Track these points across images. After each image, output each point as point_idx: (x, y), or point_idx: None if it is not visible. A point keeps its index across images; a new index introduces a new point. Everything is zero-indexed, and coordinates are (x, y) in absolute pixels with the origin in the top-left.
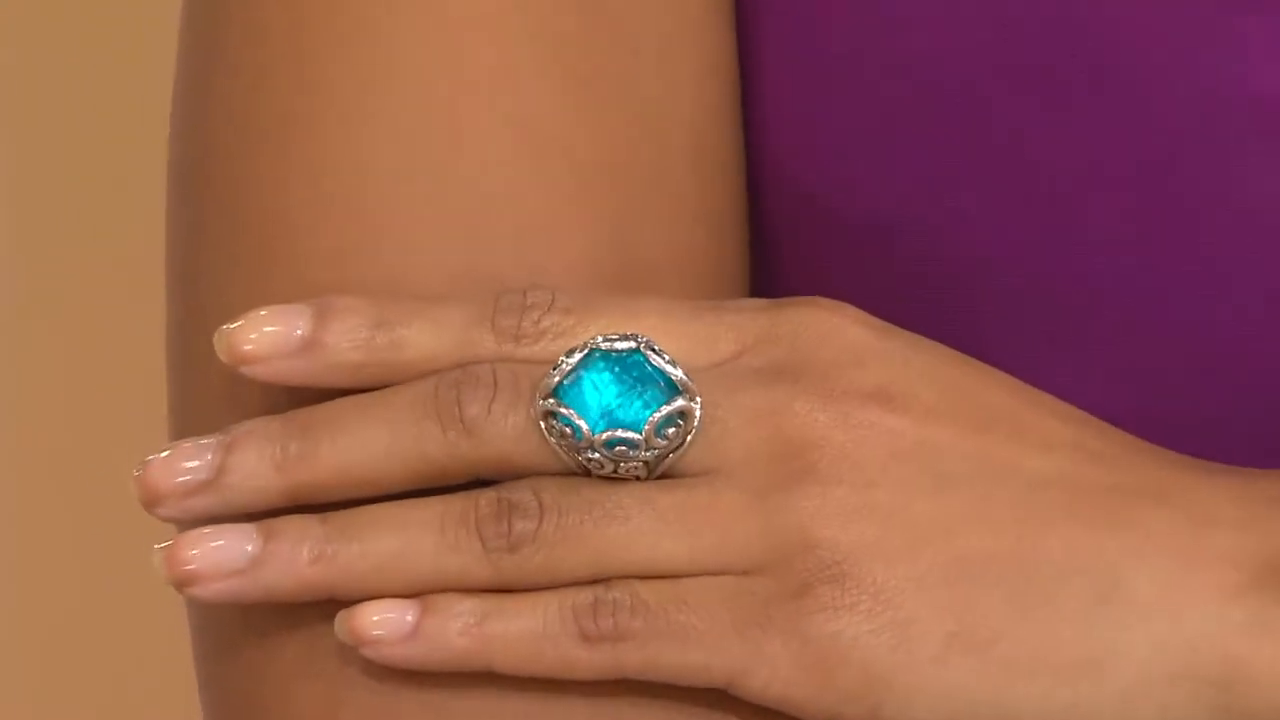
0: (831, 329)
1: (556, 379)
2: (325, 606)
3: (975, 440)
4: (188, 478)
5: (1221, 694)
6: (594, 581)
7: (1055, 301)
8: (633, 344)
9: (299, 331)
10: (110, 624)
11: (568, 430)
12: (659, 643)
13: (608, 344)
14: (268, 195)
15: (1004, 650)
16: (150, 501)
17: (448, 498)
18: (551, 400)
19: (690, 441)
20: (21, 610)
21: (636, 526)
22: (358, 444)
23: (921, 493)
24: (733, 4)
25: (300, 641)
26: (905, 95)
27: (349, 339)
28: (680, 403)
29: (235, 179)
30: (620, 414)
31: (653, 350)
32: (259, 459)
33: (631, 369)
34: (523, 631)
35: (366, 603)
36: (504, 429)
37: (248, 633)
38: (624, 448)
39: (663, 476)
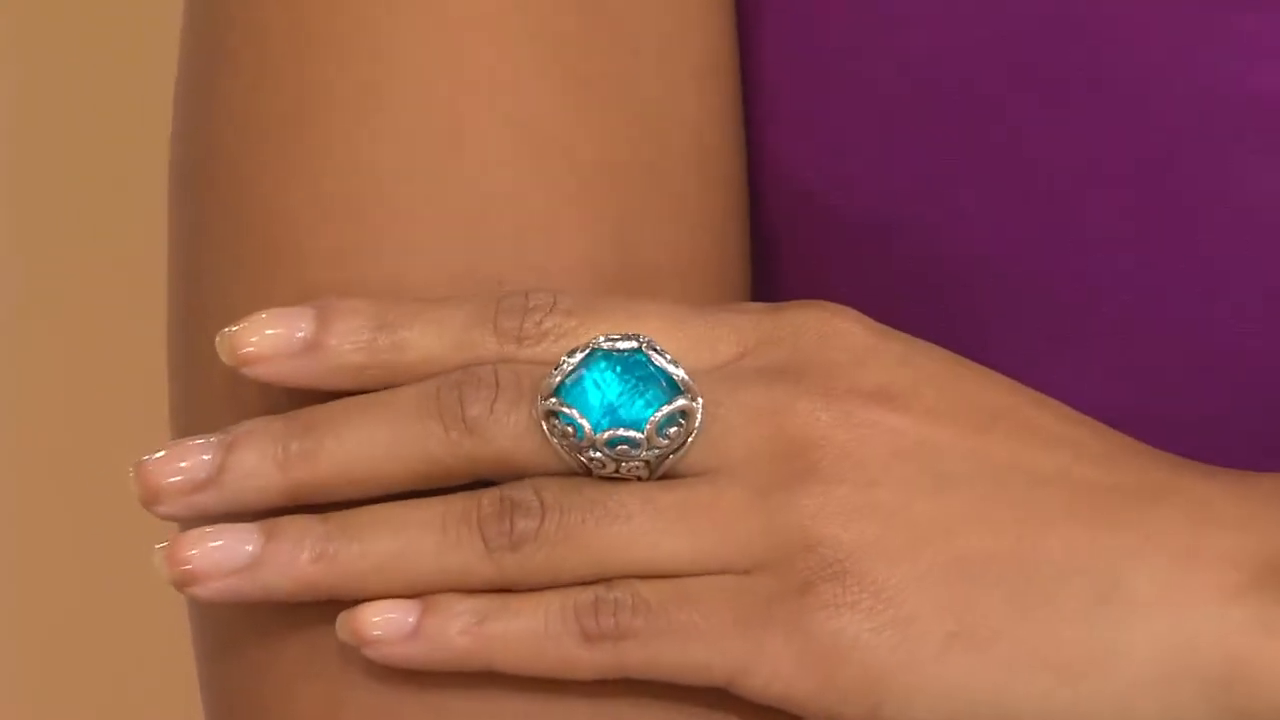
0: (832, 331)
1: (558, 379)
2: (326, 607)
3: (976, 440)
4: (188, 475)
5: (1223, 693)
6: (595, 581)
7: (1054, 299)
8: (635, 343)
9: (301, 333)
10: (110, 623)
11: (570, 429)
12: (660, 641)
13: (610, 343)
14: (269, 195)
15: (1004, 649)
16: (150, 499)
17: (449, 498)
18: (554, 399)
19: (692, 441)
20: (21, 610)
21: (638, 525)
22: (359, 443)
23: (922, 492)
24: (733, 3)
25: (302, 642)
26: (904, 93)
27: (351, 341)
28: (682, 402)
29: (237, 179)
30: (622, 412)
31: (654, 350)
32: (260, 457)
33: (634, 368)
34: (524, 631)
35: (368, 603)
36: (506, 428)
37: (249, 633)
38: (626, 446)
39: (664, 477)
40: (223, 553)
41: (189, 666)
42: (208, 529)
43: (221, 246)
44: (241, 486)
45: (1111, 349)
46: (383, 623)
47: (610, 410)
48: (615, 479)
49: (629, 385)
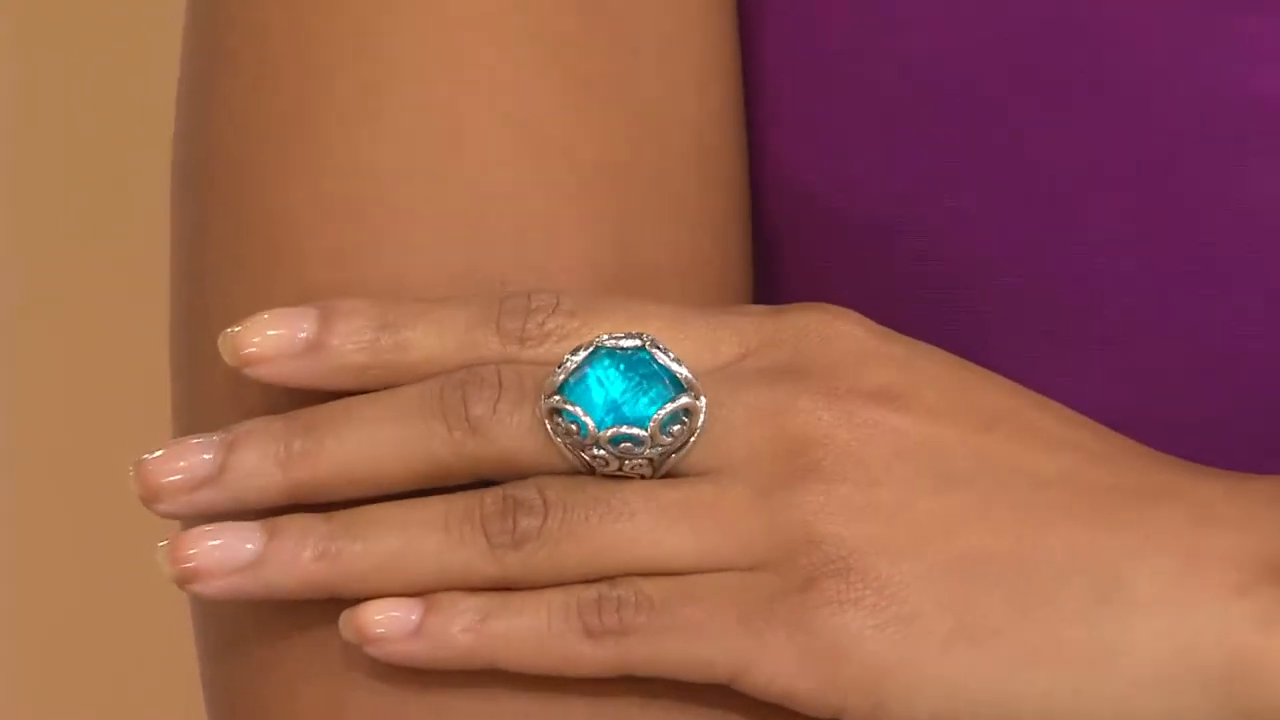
0: (835, 333)
1: (561, 377)
2: (329, 606)
3: (977, 439)
4: (189, 474)
5: (1224, 692)
6: (598, 579)
7: (1055, 301)
8: (638, 341)
9: (303, 334)
10: (111, 622)
11: (573, 427)
12: (663, 638)
13: (613, 342)
14: (270, 195)
15: (1005, 648)
16: (150, 497)
17: (451, 497)
18: (557, 398)
19: (695, 440)
20: (22, 610)
21: (641, 523)
22: (361, 442)
23: (924, 491)
24: (735, 4)
25: (305, 641)
26: (906, 95)
27: (354, 341)
28: (685, 400)
29: (238, 179)
30: (626, 409)
31: (658, 348)
32: (261, 457)
33: (637, 366)
34: (527, 628)
35: (370, 601)
36: (509, 428)
37: (252, 632)
38: (629, 444)
39: (667, 475)
40: (225, 551)
41: (190, 665)
42: (210, 527)
43: (223, 246)
44: (242, 485)
45: (1113, 351)
46: (385, 621)
47: (614, 407)
48: (618, 477)
49: (633, 383)
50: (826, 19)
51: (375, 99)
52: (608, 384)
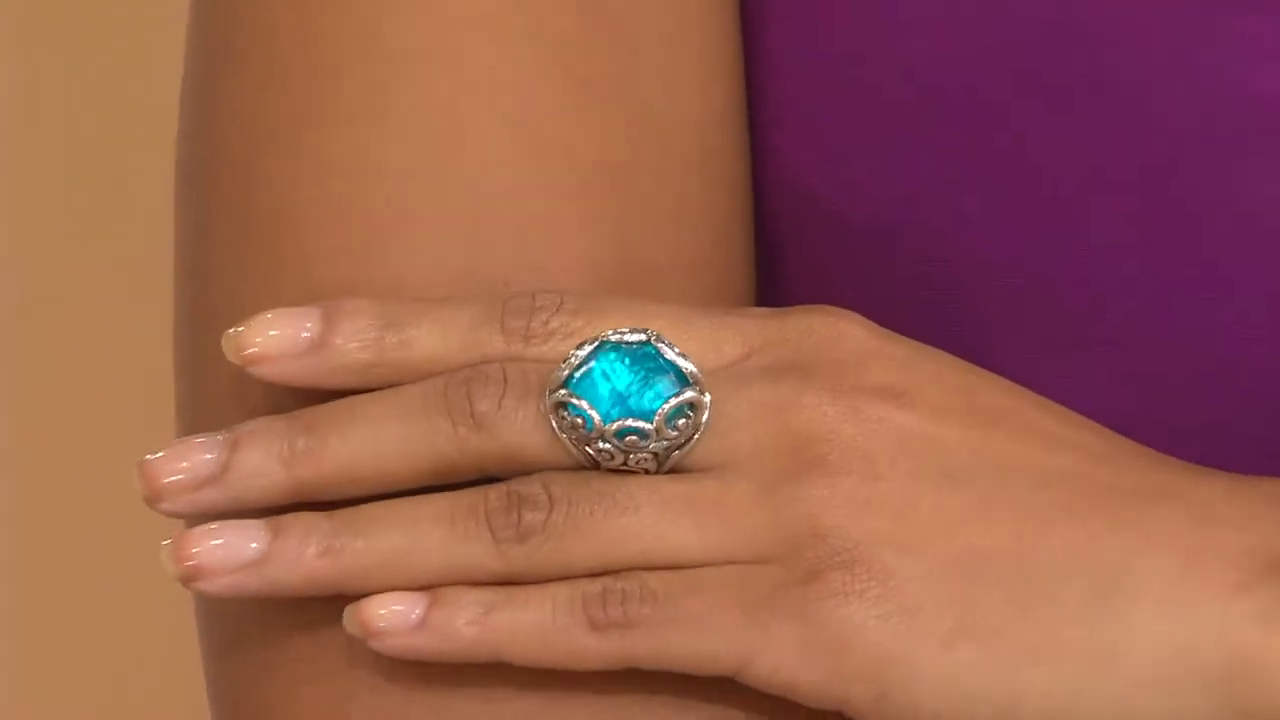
0: (838, 333)
1: (566, 372)
2: (333, 607)
3: (981, 437)
4: (192, 473)
5: (1224, 691)
6: (603, 573)
7: (1057, 304)
8: (644, 336)
9: (307, 333)
10: (114, 622)
11: (579, 420)
12: (667, 630)
13: (618, 336)
14: (275, 195)
15: (1005, 646)
16: (154, 496)
17: (456, 493)
18: (562, 392)
19: (700, 435)
20: (23, 610)
21: (645, 516)
22: (365, 440)
23: (928, 487)
24: (738, 4)
25: (309, 641)
26: (908, 99)
27: (358, 339)
28: (690, 394)
29: (242, 179)
30: (632, 402)
31: (663, 343)
32: (264, 455)
33: (643, 360)
34: (531, 621)
35: (375, 595)
36: (514, 423)
37: (256, 632)
38: (635, 437)
39: (671, 472)
40: (228, 549)
41: (192, 664)
42: (213, 525)
43: (227, 246)
44: (245, 484)
45: (1115, 354)
46: (389, 614)
47: (619, 400)
48: (623, 472)
49: (639, 376)
50: (829, 21)
51: (379, 99)
52: (613, 377)
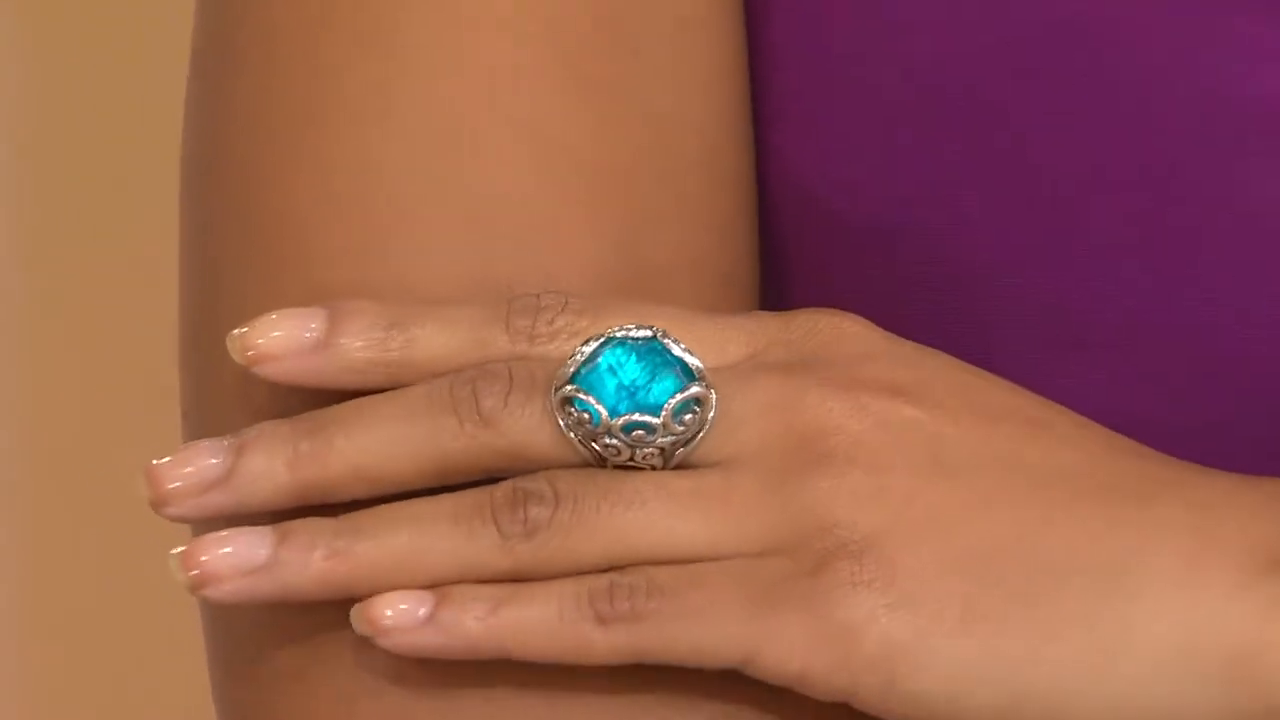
0: (842, 333)
1: (573, 367)
2: (343, 620)
3: (984, 433)
4: (198, 477)
5: (1229, 681)
6: (610, 569)
7: (1057, 305)
8: (650, 332)
9: (311, 333)
10: (116, 627)
11: (585, 416)
12: (675, 623)
13: (624, 333)
14: (278, 195)
15: (1013, 637)
16: (159, 501)
17: (461, 492)
18: (569, 387)
19: (706, 430)
20: (26, 612)
21: (652, 510)
22: (371, 440)
23: (935, 480)
24: (742, 6)
25: (319, 654)
26: (908, 99)
27: (363, 338)
28: (697, 389)
29: (246, 178)
30: (640, 395)
31: (669, 339)
32: (270, 458)
33: (650, 354)
34: (538, 617)
35: (382, 594)
36: (520, 420)
37: (266, 643)
38: (641, 432)
39: (678, 468)
40: (237, 555)
41: (192, 671)
42: (222, 533)
43: (232, 246)
44: (251, 487)
45: (1115, 354)
46: (396, 612)
47: (626, 392)
48: (629, 468)
49: (646, 368)
50: (830, 21)
51: (384, 99)
52: (620, 371)
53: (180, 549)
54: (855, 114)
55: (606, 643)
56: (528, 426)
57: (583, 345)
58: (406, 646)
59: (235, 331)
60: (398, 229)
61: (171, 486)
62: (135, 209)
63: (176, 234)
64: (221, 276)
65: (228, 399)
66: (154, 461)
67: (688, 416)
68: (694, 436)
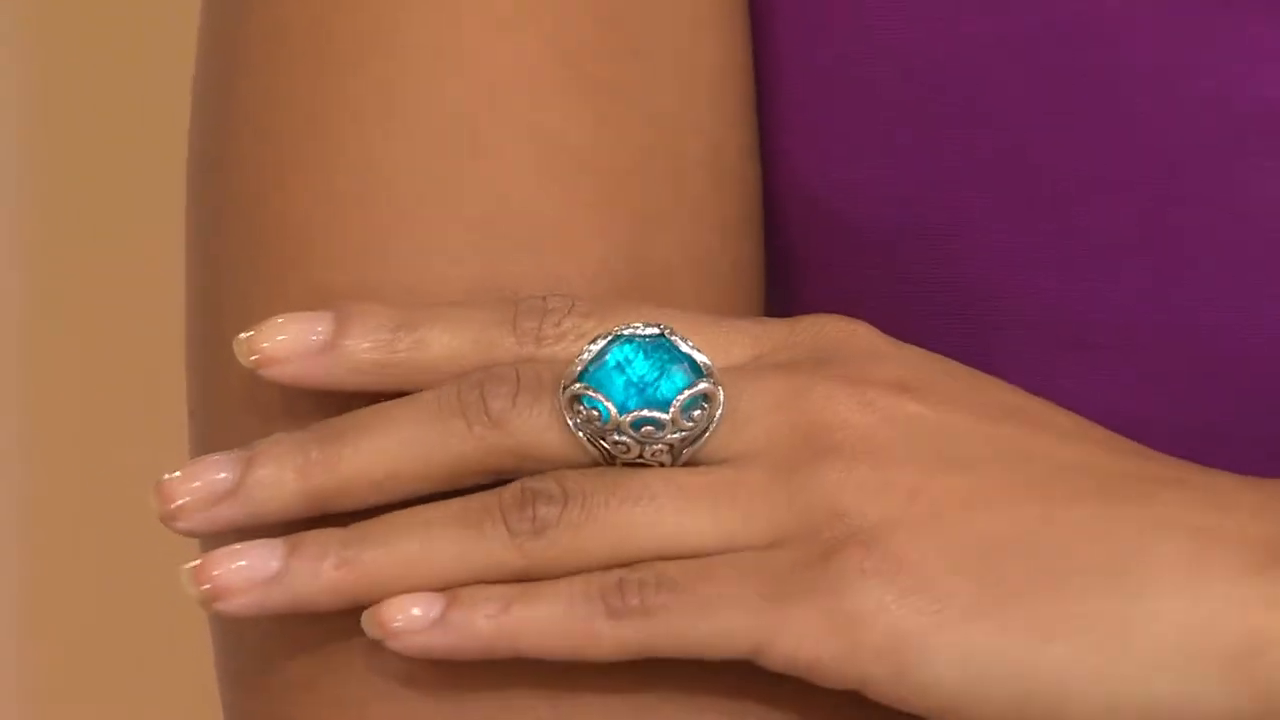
0: (848, 335)
1: (580, 366)
2: (353, 632)
3: (992, 428)
4: (209, 490)
5: (1239, 670)
6: (619, 566)
7: (1057, 305)
8: (658, 330)
9: (317, 336)
10: (116, 628)
11: (594, 413)
12: (686, 616)
13: (631, 330)
14: (283, 196)
15: (1023, 623)
16: (170, 515)
17: (470, 495)
18: (578, 385)
19: (714, 427)
20: (26, 613)
21: (661, 506)
22: (380, 446)
23: (943, 471)
24: (747, 9)
25: (327, 668)
26: (907, 100)
27: (370, 340)
28: (705, 385)
29: (250, 178)
30: (649, 390)
31: (677, 336)
32: (280, 468)
33: (658, 351)
34: (549, 614)
35: (393, 597)
36: (529, 420)
37: (277, 656)
38: (651, 428)
39: (686, 465)
40: (249, 569)
41: (192, 672)
42: (234, 547)
43: (236, 246)
44: (262, 497)
45: (1115, 354)
46: (406, 616)
47: (635, 389)
48: (638, 465)
49: (654, 365)
50: (830, 24)
51: (386, 99)
52: (629, 368)
53: (192, 564)
54: (855, 116)
55: (618, 637)
56: (536, 427)
57: (591, 343)
58: (418, 648)
59: (241, 335)
60: (400, 230)
61: (181, 502)
62: (142, 208)
63: (181, 234)
64: (226, 277)
65: (234, 399)
66: (165, 476)
67: (696, 413)
68: (702, 433)
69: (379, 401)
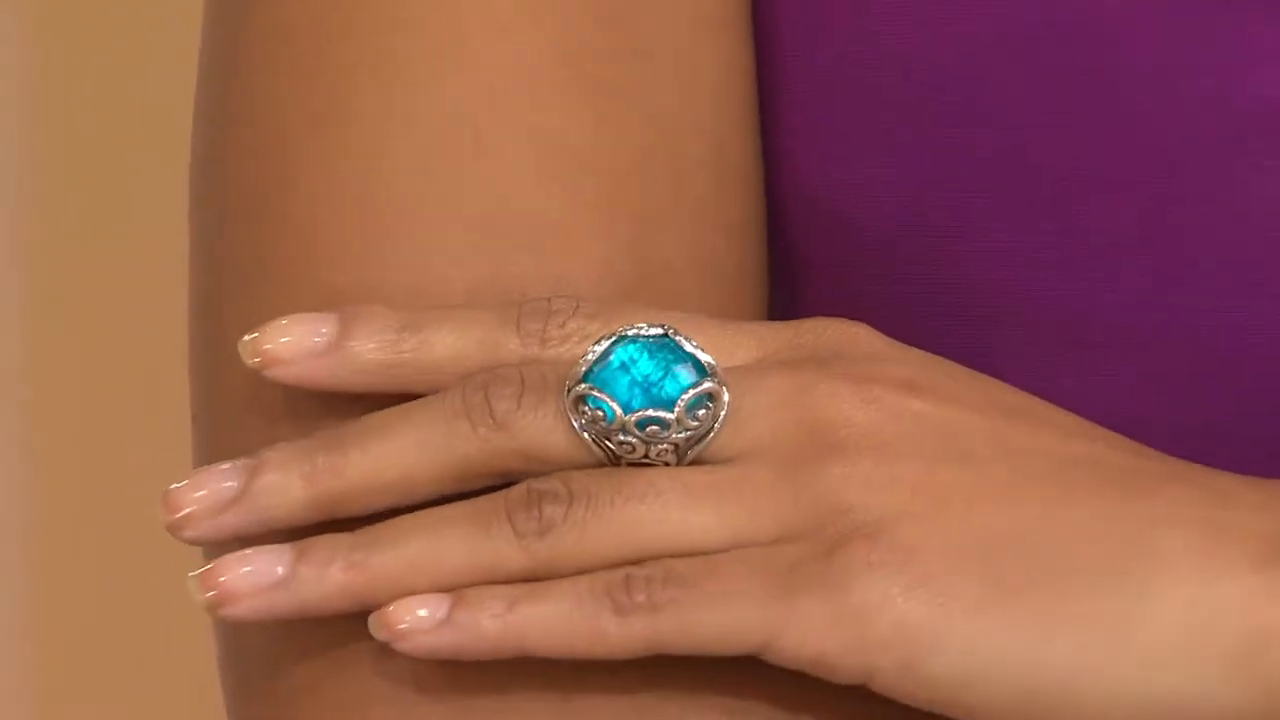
0: (853, 336)
1: (585, 367)
2: (359, 644)
3: (995, 426)
4: (215, 497)
5: (1245, 664)
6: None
7: (1058, 305)
8: (662, 329)
9: (321, 337)
10: (117, 629)
11: (599, 413)
12: (692, 611)
13: (636, 330)
14: (286, 196)
15: (1029, 616)
16: (176, 525)
17: (475, 498)
18: (583, 385)
19: (719, 426)
20: (26, 614)
21: (667, 503)
22: (386, 449)
23: (948, 465)
24: (750, 9)
25: (332, 675)
26: (907, 100)
27: (375, 340)
28: (710, 384)
29: (255, 180)
30: (654, 390)
31: (681, 336)
32: (286, 474)
33: (662, 350)
34: (555, 612)
35: (400, 600)
36: (534, 421)
37: (279, 659)
38: (656, 427)
39: (692, 464)
40: (256, 574)
41: (193, 673)
42: (243, 552)
43: (239, 247)
44: (268, 503)
45: (1115, 354)
46: (413, 617)
47: (640, 388)
48: (643, 464)
49: (659, 364)
50: (830, 23)
51: (388, 100)
52: (633, 367)
53: (199, 570)
54: (856, 114)
55: (624, 634)
56: (542, 428)
57: (595, 344)
58: (424, 649)
59: (246, 336)
60: (401, 230)
61: (187, 511)
62: (145, 208)
63: (181, 235)
64: (228, 278)
65: (238, 400)
66: (172, 486)
67: (701, 412)
68: (707, 433)
69: (384, 405)
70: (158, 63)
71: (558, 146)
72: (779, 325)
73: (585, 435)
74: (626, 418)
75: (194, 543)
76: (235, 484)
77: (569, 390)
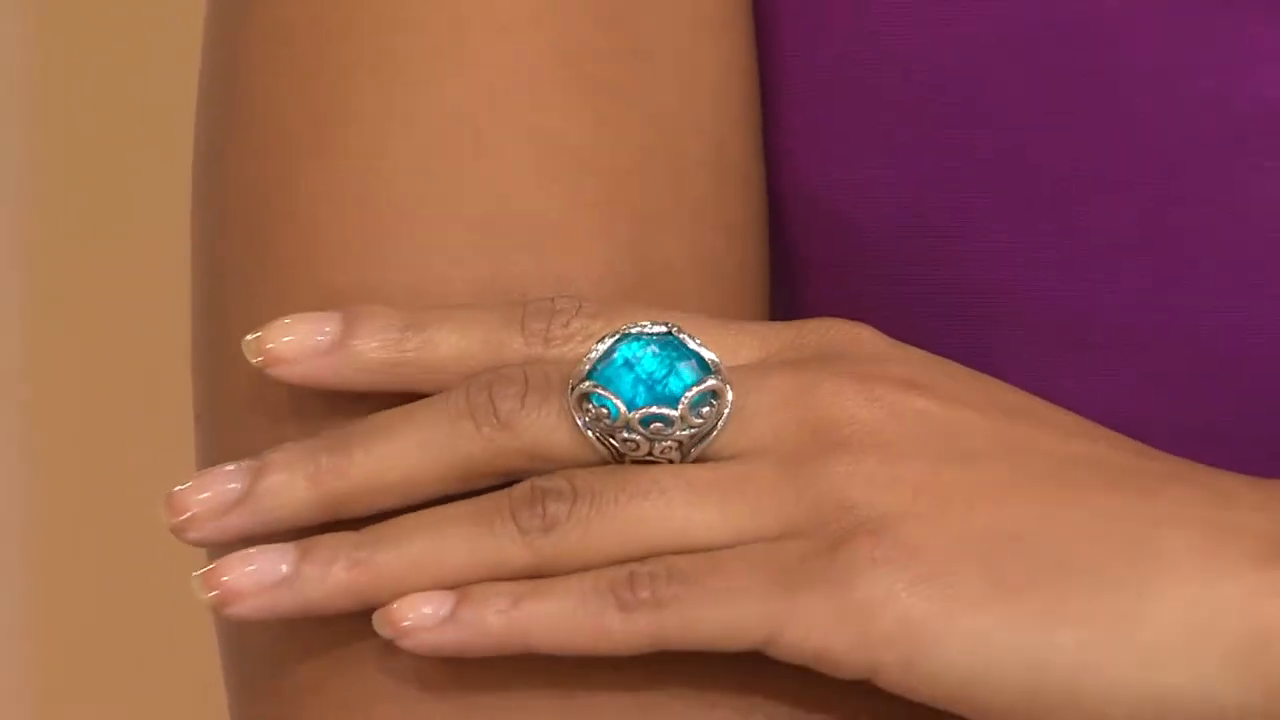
0: (855, 336)
1: (589, 365)
2: (363, 643)
3: (999, 424)
4: (219, 499)
5: (1248, 662)
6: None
7: (1058, 305)
8: (665, 327)
9: (324, 336)
10: (117, 630)
11: (603, 411)
12: (696, 607)
13: (639, 328)
14: (288, 196)
15: (1033, 613)
16: (180, 527)
17: (480, 496)
18: (587, 383)
19: (722, 424)
20: (31, 618)
21: (671, 500)
22: (391, 449)
23: (951, 464)
24: (750, 9)
25: (335, 675)
26: (907, 100)
27: (378, 339)
28: (713, 382)
29: (256, 180)
30: (658, 387)
31: (684, 334)
32: (290, 475)
33: (666, 347)
34: (559, 609)
35: (404, 597)
36: (538, 420)
37: (283, 658)
38: (660, 425)
39: (696, 462)
40: (260, 572)
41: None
42: (246, 551)
43: (240, 247)
44: (272, 504)
45: (1115, 355)
46: (417, 614)
47: (644, 385)
48: (647, 462)
49: (663, 362)
50: (830, 23)
51: (388, 100)
52: (637, 365)
53: (202, 570)
54: (855, 116)
55: (628, 630)
56: (545, 426)
57: (599, 342)
58: (428, 646)
59: (249, 336)
60: (401, 230)
61: (191, 513)
62: (147, 209)
63: (182, 234)
64: (231, 278)
65: (241, 400)
66: (175, 488)
67: (705, 409)
68: (711, 430)
69: (388, 404)
70: (158, 63)
71: (558, 146)
72: (781, 325)
73: (589, 433)
74: (630, 415)
75: (198, 544)
76: (239, 485)
77: (573, 388)
